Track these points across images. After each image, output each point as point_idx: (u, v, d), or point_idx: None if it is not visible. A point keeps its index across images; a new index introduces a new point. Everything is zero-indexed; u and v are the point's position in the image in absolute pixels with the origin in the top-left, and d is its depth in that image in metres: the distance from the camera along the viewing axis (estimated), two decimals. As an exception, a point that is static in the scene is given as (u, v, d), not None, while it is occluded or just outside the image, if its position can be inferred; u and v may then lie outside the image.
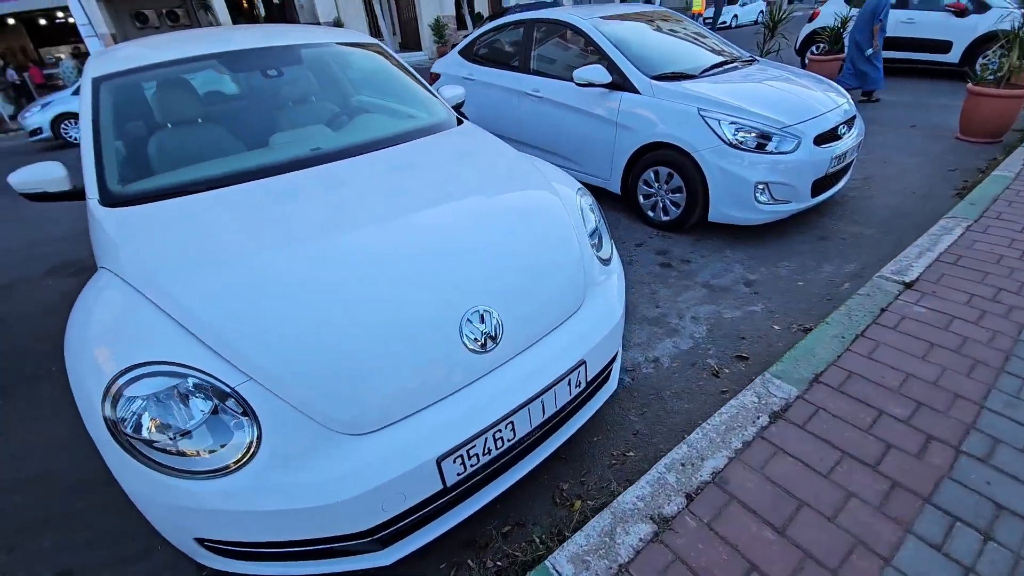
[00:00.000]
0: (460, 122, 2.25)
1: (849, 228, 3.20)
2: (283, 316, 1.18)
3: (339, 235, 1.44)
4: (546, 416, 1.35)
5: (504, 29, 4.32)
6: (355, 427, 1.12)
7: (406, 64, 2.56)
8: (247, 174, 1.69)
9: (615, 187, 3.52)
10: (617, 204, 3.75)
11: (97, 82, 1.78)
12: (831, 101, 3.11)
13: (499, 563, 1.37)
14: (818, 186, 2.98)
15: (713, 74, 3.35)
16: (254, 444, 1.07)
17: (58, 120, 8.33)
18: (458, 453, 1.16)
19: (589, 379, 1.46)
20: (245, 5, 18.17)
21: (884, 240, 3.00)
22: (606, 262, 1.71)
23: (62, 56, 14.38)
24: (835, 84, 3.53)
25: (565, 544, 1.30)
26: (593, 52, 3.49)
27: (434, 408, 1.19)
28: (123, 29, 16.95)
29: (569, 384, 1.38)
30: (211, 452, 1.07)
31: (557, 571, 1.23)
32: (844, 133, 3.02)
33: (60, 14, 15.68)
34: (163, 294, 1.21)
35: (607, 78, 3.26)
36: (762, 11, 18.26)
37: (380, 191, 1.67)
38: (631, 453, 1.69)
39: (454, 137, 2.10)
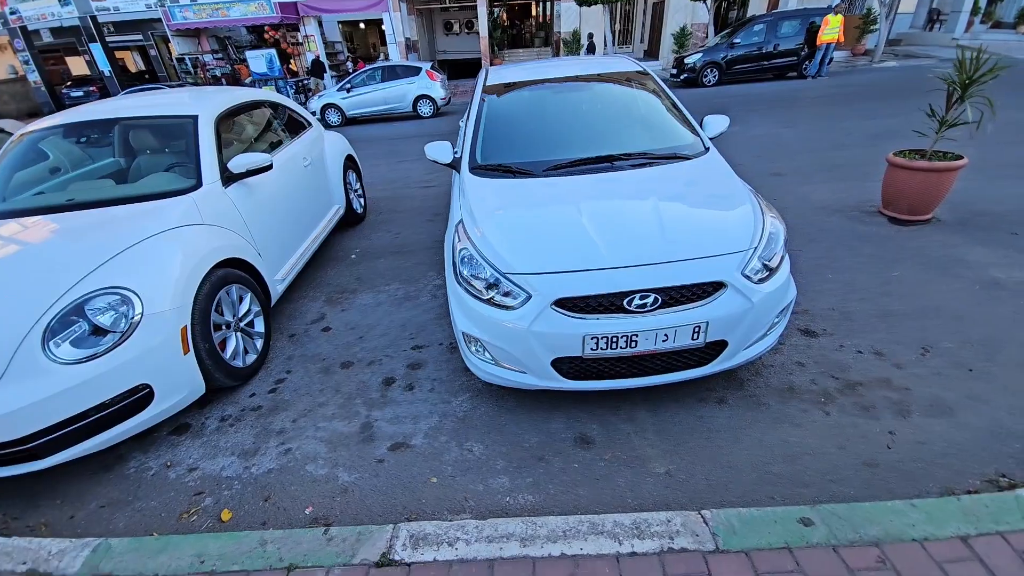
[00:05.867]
0: None
1: (656, 457, 2.03)
2: None
3: None
4: None
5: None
6: None
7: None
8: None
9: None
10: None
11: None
12: (662, 250, 1.97)
13: None
14: (588, 369, 2.01)
15: (570, 173, 2.53)
16: None
17: (324, 108, 11.92)
18: None
19: None
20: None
21: (664, 494, 1.83)
22: None
23: (381, 55, 19.82)
24: (758, 218, 2.14)
25: None
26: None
27: None
28: (428, 36, 21.95)
29: None
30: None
31: None
32: (645, 306, 1.90)
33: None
34: None
35: (448, 158, 2.89)
36: None
37: None
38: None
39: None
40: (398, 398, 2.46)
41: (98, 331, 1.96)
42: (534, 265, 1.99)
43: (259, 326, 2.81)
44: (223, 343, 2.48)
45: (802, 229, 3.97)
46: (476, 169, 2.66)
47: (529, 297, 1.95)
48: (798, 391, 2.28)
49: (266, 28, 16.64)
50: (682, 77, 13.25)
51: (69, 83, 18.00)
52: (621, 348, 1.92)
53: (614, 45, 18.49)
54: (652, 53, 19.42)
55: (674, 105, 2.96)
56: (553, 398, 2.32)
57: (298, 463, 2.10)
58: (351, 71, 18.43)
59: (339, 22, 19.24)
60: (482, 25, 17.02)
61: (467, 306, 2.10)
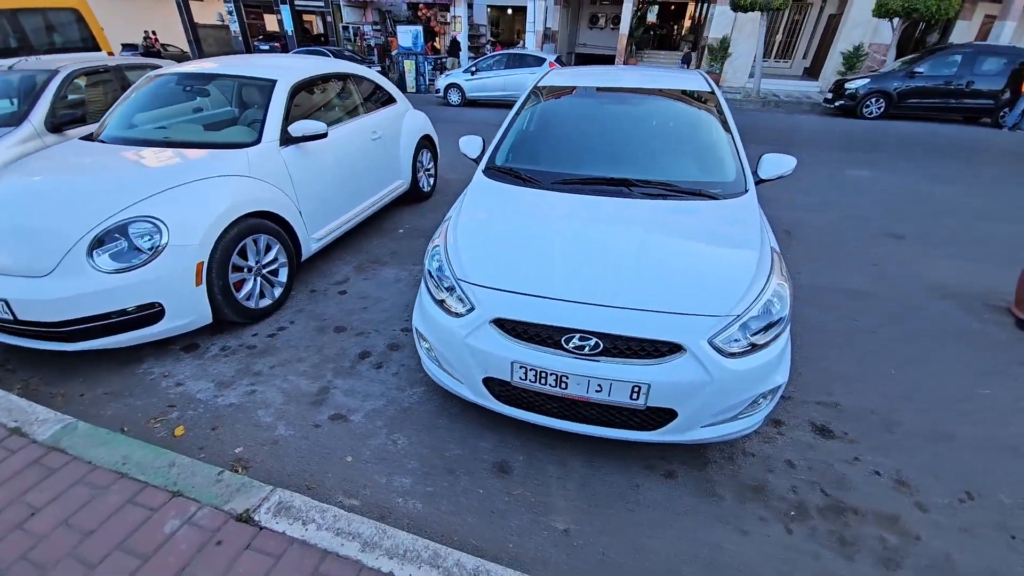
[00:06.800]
0: None
1: (564, 510, 1.86)
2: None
3: None
4: None
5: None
6: None
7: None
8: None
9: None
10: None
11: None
12: (622, 293, 1.76)
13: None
14: (519, 397, 1.91)
15: (578, 191, 2.37)
16: None
17: (448, 87, 12.56)
18: None
19: None
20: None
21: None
22: None
23: (521, 41, 20.19)
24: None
25: None
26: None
27: None
28: (571, 28, 21.80)
29: None
30: None
31: None
32: (583, 349, 1.72)
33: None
34: None
35: (476, 153, 2.88)
36: None
37: None
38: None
39: None
40: (363, 373, 2.57)
41: (132, 250, 2.35)
42: (485, 278, 1.93)
43: (282, 276, 3.12)
44: (240, 283, 2.80)
45: (891, 306, 3.28)
46: (489, 170, 2.63)
47: (473, 309, 1.90)
48: (768, 494, 1.92)
49: (420, 6, 17.93)
50: (837, 104, 11.53)
51: (260, 37, 21.31)
52: (550, 386, 1.79)
53: (766, 59, 16.64)
54: (813, 72, 17.15)
55: (730, 136, 2.60)
56: (496, 418, 2.25)
57: (254, 406, 2.32)
58: (488, 54, 19.11)
59: (488, 6, 20.00)
60: (624, 22, 16.47)
61: (422, 303, 2.11)
